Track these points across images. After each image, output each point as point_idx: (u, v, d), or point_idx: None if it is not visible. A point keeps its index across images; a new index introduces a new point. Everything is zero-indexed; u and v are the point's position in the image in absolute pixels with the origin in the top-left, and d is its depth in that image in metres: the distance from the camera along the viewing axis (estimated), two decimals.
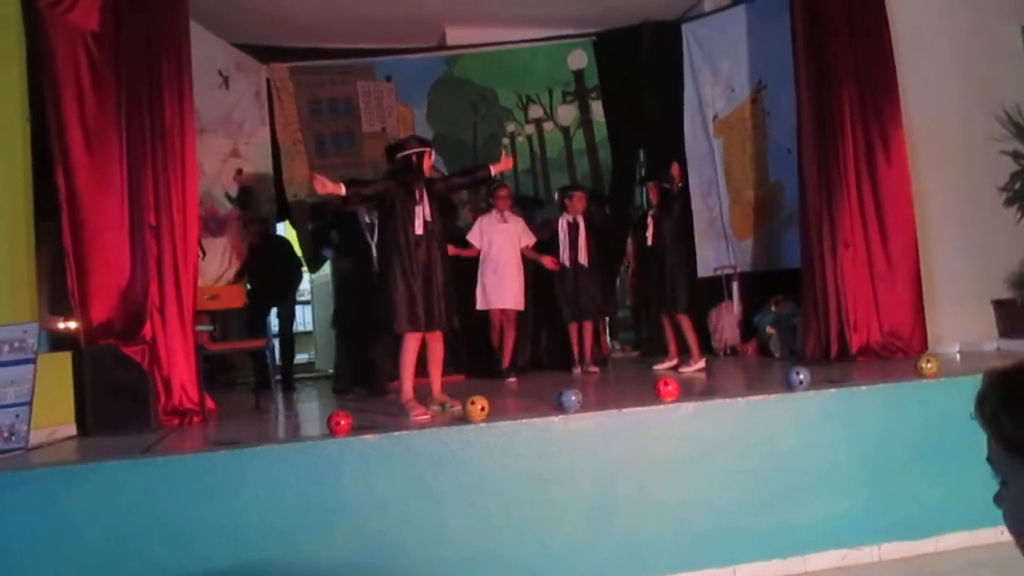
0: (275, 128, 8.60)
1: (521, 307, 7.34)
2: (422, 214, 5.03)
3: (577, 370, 7.44)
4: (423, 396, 5.08)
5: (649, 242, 7.04)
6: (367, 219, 6.95)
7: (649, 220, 7.08)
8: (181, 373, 5.27)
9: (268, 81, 8.63)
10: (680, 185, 7.14)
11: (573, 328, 7.51)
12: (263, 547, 3.82)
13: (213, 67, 7.75)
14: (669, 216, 6.95)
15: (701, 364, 6.82)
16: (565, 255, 7.46)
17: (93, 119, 5.23)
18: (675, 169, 7.04)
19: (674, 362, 7.06)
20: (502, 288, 7.23)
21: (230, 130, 8.04)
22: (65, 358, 5.09)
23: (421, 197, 5.05)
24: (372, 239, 6.53)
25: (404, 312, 4.93)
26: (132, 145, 5.27)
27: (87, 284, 5.14)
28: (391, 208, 5.05)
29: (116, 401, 5.00)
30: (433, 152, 5.43)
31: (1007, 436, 0.94)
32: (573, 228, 7.49)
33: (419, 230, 5.00)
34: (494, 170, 5.47)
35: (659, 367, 7.02)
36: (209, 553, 3.76)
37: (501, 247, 7.28)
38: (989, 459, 0.98)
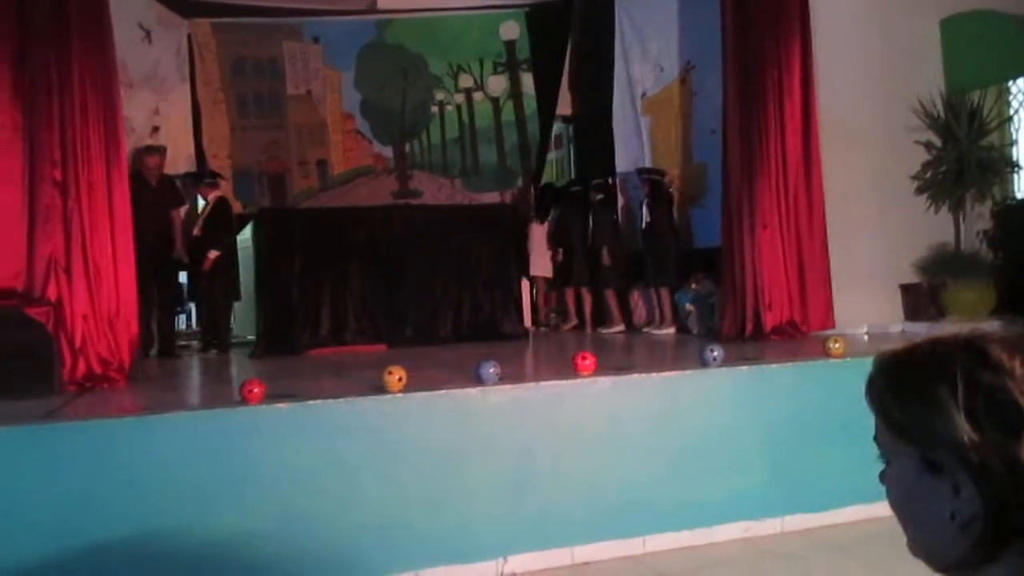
0: (195, 86, 8.32)
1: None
2: None
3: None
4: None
5: (643, 225, 7.94)
6: None
7: (644, 208, 7.92)
8: (90, 335, 5.08)
9: (189, 37, 8.33)
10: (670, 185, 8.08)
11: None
12: (171, 516, 3.73)
13: (132, 19, 7.43)
14: (660, 205, 7.81)
15: (672, 329, 7.80)
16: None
17: None
18: (669, 177, 8.06)
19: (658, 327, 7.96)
20: None
21: (154, 85, 7.76)
22: None
23: None
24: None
25: None
26: (35, 97, 5.00)
27: None
28: None
29: (17, 364, 4.79)
30: None
31: (891, 418, 0.96)
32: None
33: None
34: None
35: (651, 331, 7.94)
36: (112, 521, 3.65)
37: None
38: (876, 439, 1.01)
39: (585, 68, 9.03)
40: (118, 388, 5.16)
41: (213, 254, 7.32)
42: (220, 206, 7.57)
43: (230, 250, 7.67)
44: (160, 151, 7.30)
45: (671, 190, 8.02)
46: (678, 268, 7.86)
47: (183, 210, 7.46)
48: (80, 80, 5.13)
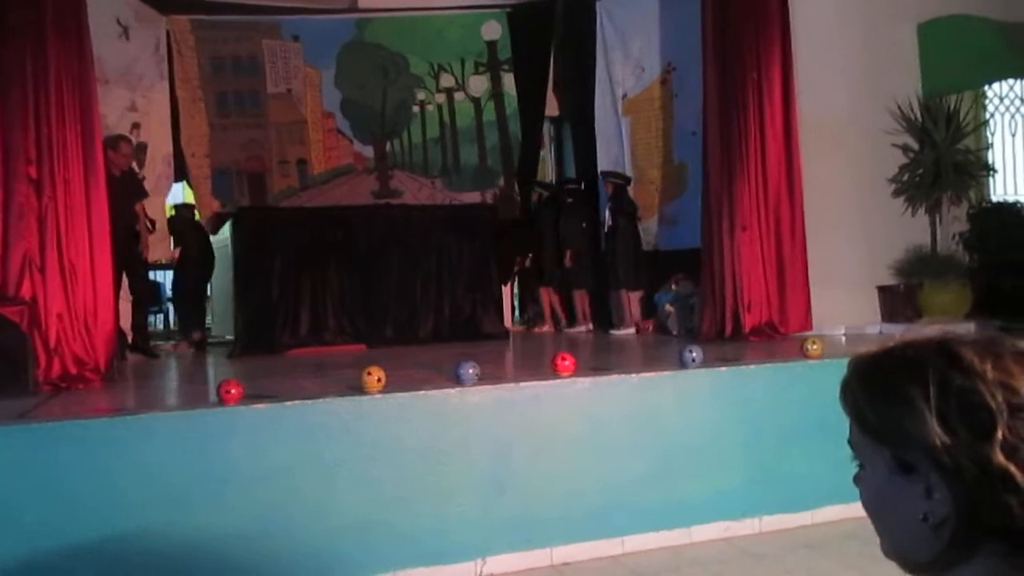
0: (174, 84, 8.24)
1: None
2: None
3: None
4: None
5: (606, 228, 8.02)
6: None
7: (607, 211, 8.00)
8: (66, 335, 5.02)
9: (168, 34, 8.25)
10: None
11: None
12: (148, 517, 3.70)
13: (110, 15, 7.36)
14: (623, 208, 7.88)
15: (632, 329, 7.88)
16: None
17: None
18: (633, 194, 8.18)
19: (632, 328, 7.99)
20: None
21: (131, 82, 7.69)
22: None
23: None
24: None
25: None
26: (9, 94, 4.92)
27: None
28: None
29: None
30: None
31: (865, 420, 0.96)
32: None
33: None
34: None
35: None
36: (88, 523, 3.61)
37: None
38: (850, 442, 1.01)
39: (567, 69, 9.02)
40: (94, 388, 5.11)
41: (175, 250, 7.86)
42: (172, 220, 8.18)
43: (195, 248, 7.95)
44: (129, 140, 7.26)
45: (632, 199, 8.11)
46: (638, 270, 7.92)
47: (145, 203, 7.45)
48: (56, 76, 5.06)
